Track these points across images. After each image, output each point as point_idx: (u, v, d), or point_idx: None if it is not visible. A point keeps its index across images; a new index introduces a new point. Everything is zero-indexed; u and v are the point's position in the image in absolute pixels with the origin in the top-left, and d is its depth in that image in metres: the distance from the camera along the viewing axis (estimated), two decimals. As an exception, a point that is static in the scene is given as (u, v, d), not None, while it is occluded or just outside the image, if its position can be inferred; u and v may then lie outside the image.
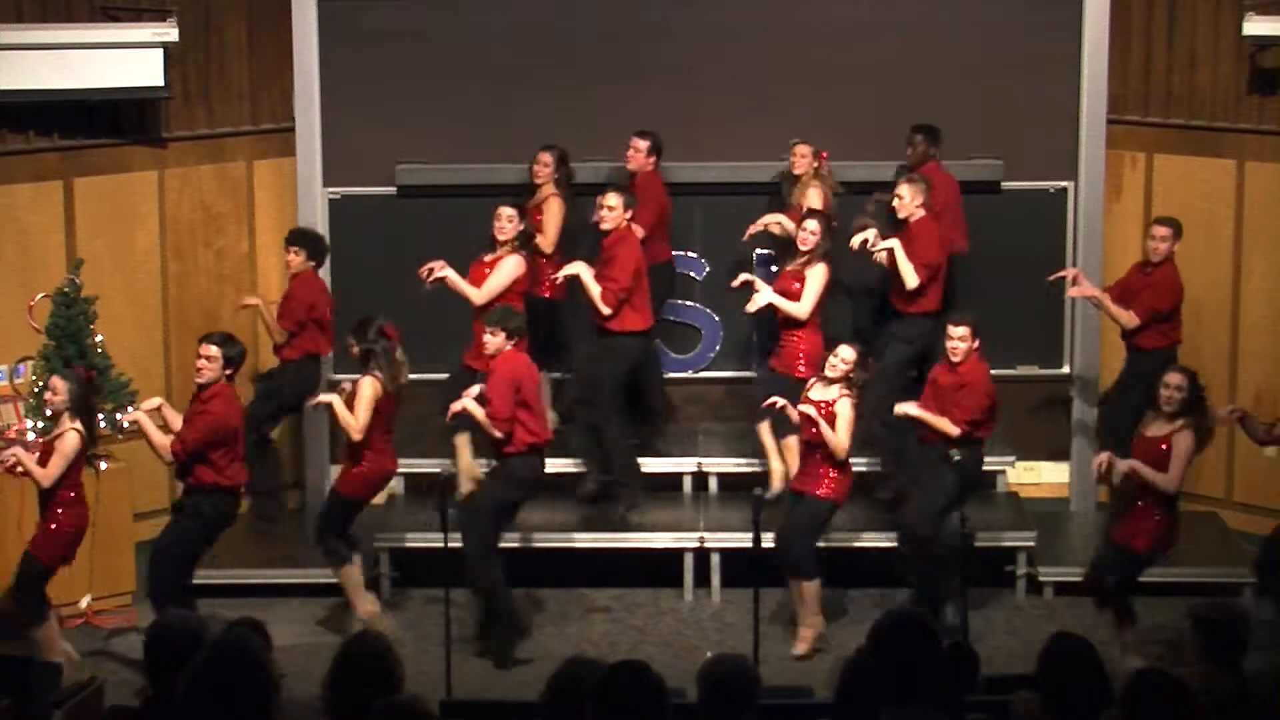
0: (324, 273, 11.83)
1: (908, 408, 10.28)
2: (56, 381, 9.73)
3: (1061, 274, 11.45)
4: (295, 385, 11.42)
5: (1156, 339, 11.18)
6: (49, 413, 9.78)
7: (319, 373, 11.57)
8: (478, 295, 10.81)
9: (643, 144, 11.50)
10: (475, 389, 10.15)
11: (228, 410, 9.81)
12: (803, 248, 10.87)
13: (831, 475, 10.17)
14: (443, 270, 10.82)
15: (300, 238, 11.41)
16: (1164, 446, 9.73)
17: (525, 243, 10.96)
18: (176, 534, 9.91)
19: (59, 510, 9.69)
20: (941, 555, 10.09)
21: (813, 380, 10.35)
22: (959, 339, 10.26)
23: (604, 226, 11.02)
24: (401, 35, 11.99)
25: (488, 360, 10.21)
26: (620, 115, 11.77)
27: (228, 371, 9.81)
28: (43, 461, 9.65)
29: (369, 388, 10.10)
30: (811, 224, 10.85)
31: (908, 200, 10.98)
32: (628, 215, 10.96)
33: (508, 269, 10.87)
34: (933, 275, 11.00)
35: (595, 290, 10.83)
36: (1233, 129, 11.87)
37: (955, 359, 10.28)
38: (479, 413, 10.07)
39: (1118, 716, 5.48)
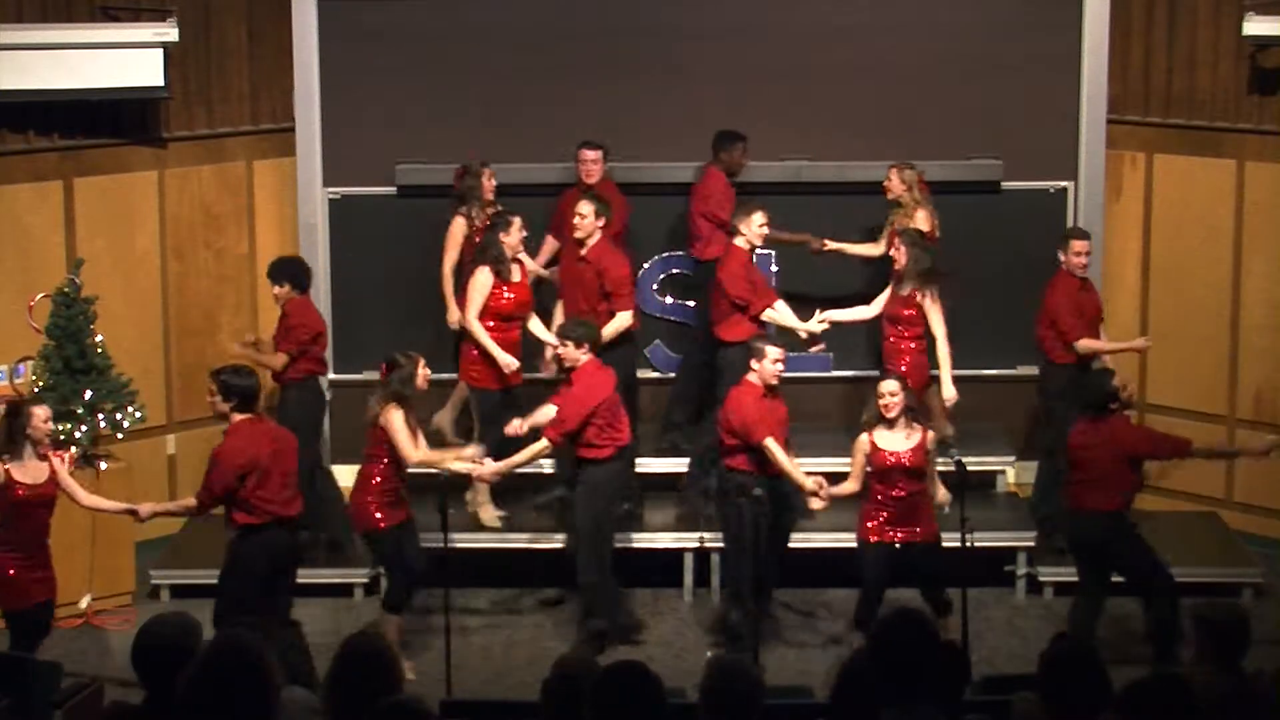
0: (324, 273, 11.81)
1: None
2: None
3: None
4: (306, 408, 11.01)
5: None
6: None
7: (322, 391, 11.34)
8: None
9: (593, 154, 11.30)
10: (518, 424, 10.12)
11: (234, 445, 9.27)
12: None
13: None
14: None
15: (280, 272, 10.97)
16: None
17: None
18: (223, 577, 9.47)
19: None
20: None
21: (866, 436, 9.65)
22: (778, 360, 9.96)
23: (578, 235, 10.83)
24: (401, 35, 11.99)
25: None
26: (620, 115, 11.77)
27: (232, 402, 9.23)
28: None
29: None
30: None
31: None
32: (600, 223, 10.82)
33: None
34: None
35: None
36: (1233, 129, 11.87)
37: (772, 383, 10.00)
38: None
39: (1117, 717, 5.48)
